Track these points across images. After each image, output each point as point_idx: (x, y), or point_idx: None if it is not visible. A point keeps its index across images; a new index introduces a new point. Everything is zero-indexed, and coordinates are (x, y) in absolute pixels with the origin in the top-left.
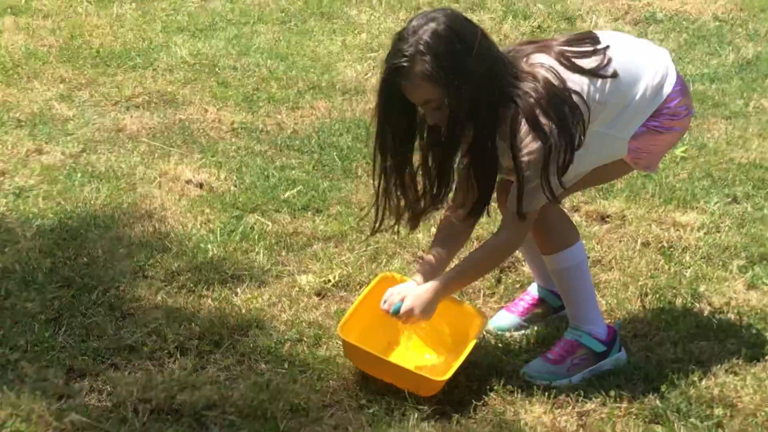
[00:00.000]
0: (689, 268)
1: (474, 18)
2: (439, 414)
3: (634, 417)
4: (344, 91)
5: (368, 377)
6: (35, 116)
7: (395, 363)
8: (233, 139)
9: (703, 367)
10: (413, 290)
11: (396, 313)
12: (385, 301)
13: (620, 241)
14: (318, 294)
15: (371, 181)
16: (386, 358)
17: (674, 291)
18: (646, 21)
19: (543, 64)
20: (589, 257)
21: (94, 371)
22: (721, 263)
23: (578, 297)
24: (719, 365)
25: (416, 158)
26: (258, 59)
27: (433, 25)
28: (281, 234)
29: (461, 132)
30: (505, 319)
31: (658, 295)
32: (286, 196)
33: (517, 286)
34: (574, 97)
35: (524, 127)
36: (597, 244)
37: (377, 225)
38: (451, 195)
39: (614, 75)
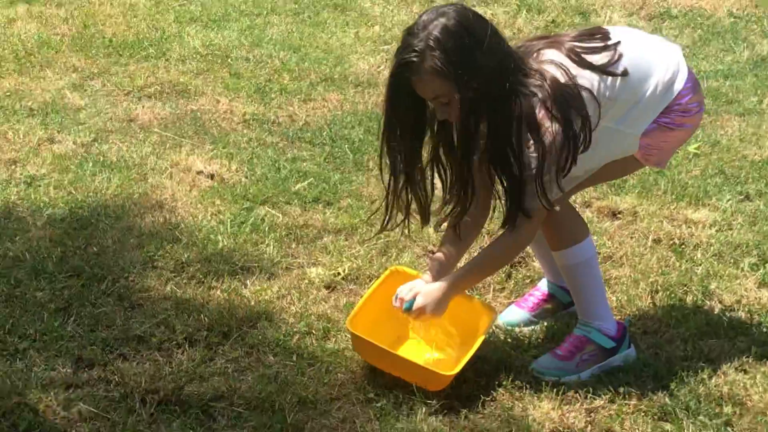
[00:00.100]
0: (700, 265)
1: (488, 12)
2: (447, 409)
3: (642, 414)
4: (357, 83)
5: (376, 371)
6: (47, 105)
7: (404, 357)
8: (245, 131)
9: (712, 364)
10: (425, 288)
11: (408, 310)
12: (396, 298)
13: (631, 238)
14: (327, 287)
15: (381, 177)
16: (395, 352)
17: (685, 288)
18: (661, 17)
19: (553, 60)
20: (600, 253)
21: (102, 361)
22: (732, 261)
23: (588, 293)
24: (729, 363)
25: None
26: (271, 50)
27: (443, 20)
28: (291, 226)
29: (475, 127)
30: (514, 315)
31: (668, 292)
32: (297, 188)
33: (527, 281)
34: (584, 94)
35: (531, 124)
36: (608, 240)
37: (386, 222)
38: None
39: (624, 73)
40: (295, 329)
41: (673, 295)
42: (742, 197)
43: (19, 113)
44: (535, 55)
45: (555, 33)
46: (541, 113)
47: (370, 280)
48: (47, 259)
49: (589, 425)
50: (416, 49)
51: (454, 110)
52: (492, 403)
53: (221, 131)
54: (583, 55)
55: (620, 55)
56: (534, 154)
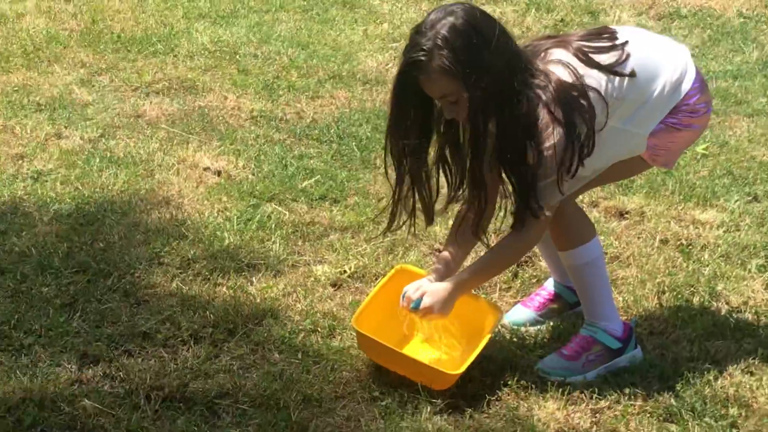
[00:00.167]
0: (707, 266)
1: (497, 10)
2: (452, 408)
3: (648, 415)
4: (365, 81)
5: (382, 369)
6: (55, 100)
7: (409, 355)
8: (252, 127)
9: (718, 366)
10: (431, 287)
11: (415, 309)
12: (403, 297)
13: (639, 238)
14: (333, 284)
15: (387, 175)
16: (400, 351)
17: (692, 289)
18: (670, 16)
19: (561, 60)
20: (607, 253)
21: (107, 357)
22: (739, 262)
23: (594, 293)
24: (735, 365)
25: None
26: (279, 47)
27: (451, 19)
28: (298, 223)
29: (483, 127)
30: (520, 314)
31: (675, 293)
32: (303, 185)
33: (534, 280)
34: (591, 94)
35: (536, 125)
36: (615, 240)
37: (391, 222)
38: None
39: (632, 74)
40: (300, 327)
41: (679, 296)
42: (750, 198)
43: (26, 108)
44: (542, 54)
45: (563, 32)
46: (544, 115)
47: (377, 279)
48: (53, 255)
49: (595, 426)
50: (424, 47)
51: (462, 109)
52: (497, 403)
53: (229, 128)
54: (590, 55)
55: (628, 55)
56: (540, 155)
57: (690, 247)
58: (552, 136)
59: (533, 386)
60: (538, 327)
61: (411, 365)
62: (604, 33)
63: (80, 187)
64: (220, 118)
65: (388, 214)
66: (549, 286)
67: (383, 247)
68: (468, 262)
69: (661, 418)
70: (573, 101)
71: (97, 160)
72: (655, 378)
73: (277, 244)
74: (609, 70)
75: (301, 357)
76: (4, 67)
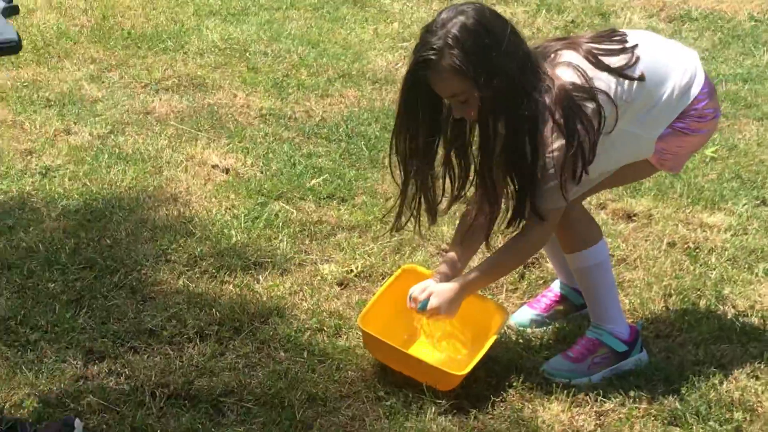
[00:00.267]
0: (714, 269)
1: (507, 11)
2: (456, 408)
3: (652, 418)
4: (374, 80)
5: (387, 369)
6: (64, 96)
7: (414, 356)
8: (261, 125)
9: (724, 370)
10: (438, 288)
11: (422, 310)
12: (410, 298)
13: (646, 241)
14: (340, 284)
15: (392, 175)
16: (406, 351)
17: (698, 292)
18: (681, 19)
19: (570, 62)
20: (614, 256)
21: (113, 354)
22: (747, 266)
23: (600, 296)
24: (741, 369)
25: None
26: (289, 45)
27: (462, 18)
28: (305, 222)
29: (493, 127)
30: (526, 315)
31: (682, 296)
32: (311, 184)
33: (540, 282)
34: (600, 96)
35: (545, 127)
36: (622, 242)
37: (397, 221)
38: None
39: (641, 78)
40: (306, 326)
41: (686, 299)
42: (758, 202)
43: (36, 104)
44: (552, 56)
45: (573, 34)
46: (548, 119)
47: (383, 278)
48: (60, 251)
49: (599, 428)
50: (435, 46)
51: (471, 109)
52: (502, 404)
53: (237, 125)
54: (600, 57)
55: (637, 58)
56: (546, 157)
57: (697, 250)
58: (556, 140)
59: (538, 388)
60: (544, 328)
61: (416, 365)
62: (615, 35)
63: (88, 184)
64: (229, 115)
65: (394, 213)
66: (555, 287)
67: (390, 247)
68: (474, 262)
69: (665, 422)
70: (576, 108)
71: (106, 156)
72: (660, 381)
73: (285, 243)
74: (618, 72)
75: (306, 356)
76: (14, 62)
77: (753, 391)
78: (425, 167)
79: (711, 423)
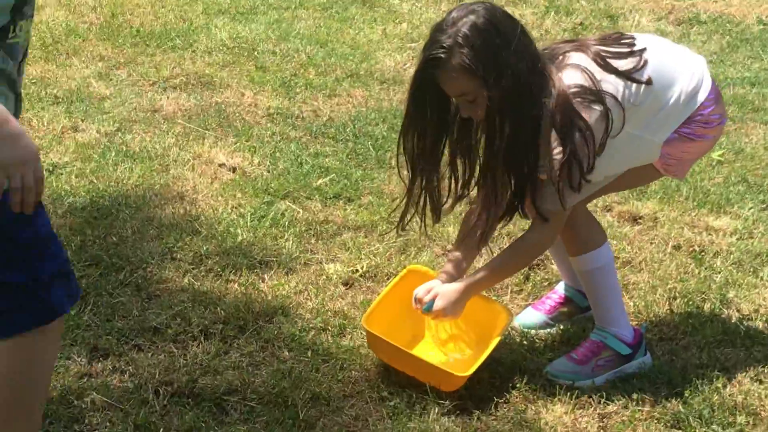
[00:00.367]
0: (719, 273)
1: (516, 12)
2: (460, 410)
3: (655, 421)
4: (382, 80)
5: (390, 369)
6: (72, 93)
7: (418, 356)
8: (268, 124)
9: (728, 373)
10: (442, 289)
11: (427, 311)
12: (415, 300)
13: (651, 243)
14: (345, 283)
15: (399, 173)
16: (409, 351)
17: (703, 296)
18: (689, 22)
19: (579, 64)
20: (619, 258)
21: (117, 351)
22: (752, 270)
23: (604, 298)
24: (744, 372)
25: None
26: (297, 45)
27: (472, 17)
28: (311, 222)
29: (500, 127)
30: (531, 317)
31: (686, 299)
32: (318, 183)
33: (545, 284)
34: (608, 99)
35: (544, 129)
36: (628, 245)
37: (402, 220)
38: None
39: (649, 82)
40: (311, 325)
41: (690, 303)
42: (764, 206)
43: (44, 100)
44: (560, 58)
45: (582, 36)
46: (549, 122)
47: (388, 278)
48: (66, 248)
49: (602, 430)
50: (444, 45)
51: (479, 108)
52: (505, 406)
53: (245, 124)
54: (608, 60)
55: (645, 62)
56: (549, 158)
57: (702, 253)
58: (554, 147)
59: (542, 389)
60: (548, 330)
61: (420, 366)
62: (623, 39)
63: (95, 181)
64: (237, 114)
65: (400, 212)
66: (560, 289)
67: (396, 247)
68: (479, 262)
69: (668, 425)
70: (575, 116)
71: (113, 153)
72: (663, 384)
73: (290, 242)
74: (626, 76)
75: (310, 355)
76: None
77: (756, 394)
78: (432, 166)
79: (714, 426)
